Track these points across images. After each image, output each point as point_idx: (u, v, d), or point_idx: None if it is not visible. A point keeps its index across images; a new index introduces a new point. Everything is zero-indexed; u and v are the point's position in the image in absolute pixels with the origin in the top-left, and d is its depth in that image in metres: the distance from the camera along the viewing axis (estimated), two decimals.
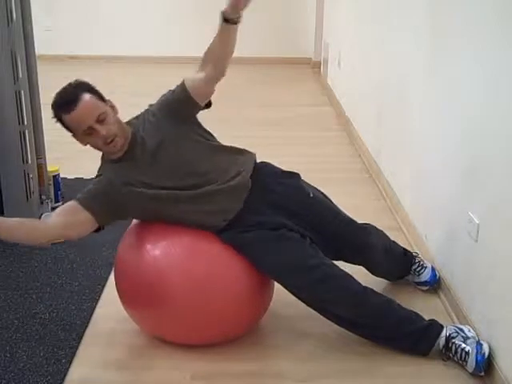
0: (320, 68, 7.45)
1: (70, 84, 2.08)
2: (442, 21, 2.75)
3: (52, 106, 2.07)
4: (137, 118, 2.24)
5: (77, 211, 2.10)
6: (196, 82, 2.19)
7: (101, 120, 2.03)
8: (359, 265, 2.42)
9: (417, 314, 2.20)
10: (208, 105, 2.26)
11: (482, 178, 2.20)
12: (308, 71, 7.79)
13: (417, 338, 2.15)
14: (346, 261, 2.34)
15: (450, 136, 2.56)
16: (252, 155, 2.29)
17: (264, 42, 8.16)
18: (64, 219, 2.10)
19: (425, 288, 2.58)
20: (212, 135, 2.29)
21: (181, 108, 2.19)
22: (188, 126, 2.22)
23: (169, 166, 2.13)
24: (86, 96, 2.03)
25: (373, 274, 2.51)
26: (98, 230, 2.16)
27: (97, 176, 2.20)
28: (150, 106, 2.25)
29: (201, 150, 2.20)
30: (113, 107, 2.13)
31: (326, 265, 2.14)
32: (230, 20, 2.09)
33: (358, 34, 4.95)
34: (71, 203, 2.13)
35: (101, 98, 2.09)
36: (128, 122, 2.20)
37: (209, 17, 7.89)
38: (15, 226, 2.09)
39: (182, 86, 2.19)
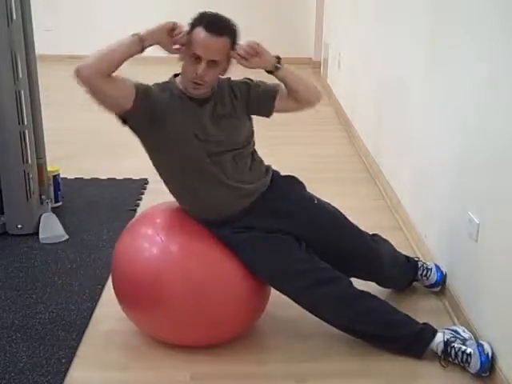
0: (320, 68, 7.46)
1: (229, 20, 2.07)
2: (441, 21, 2.75)
3: (203, 15, 2.05)
4: (234, 82, 2.23)
5: (128, 80, 2.06)
6: (283, 99, 2.23)
7: (211, 63, 2.02)
8: (367, 278, 2.38)
9: (410, 318, 2.20)
10: (269, 115, 2.30)
11: (482, 178, 2.20)
12: (308, 71, 7.78)
13: (410, 342, 2.15)
14: (352, 275, 2.28)
15: (450, 136, 2.56)
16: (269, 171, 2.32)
17: (264, 41, 8.15)
18: (119, 75, 2.03)
19: (437, 289, 2.56)
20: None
21: (259, 106, 2.23)
22: (250, 121, 2.26)
23: (219, 135, 2.13)
24: (227, 40, 2.03)
25: (381, 285, 2.48)
26: (123, 120, 2.08)
27: (164, 82, 2.17)
28: (250, 80, 2.26)
29: (245, 144, 2.23)
30: (225, 69, 2.11)
31: (319, 269, 2.14)
32: (269, 71, 2.14)
33: (357, 35, 4.96)
34: (131, 82, 2.07)
35: (229, 54, 2.06)
36: (224, 79, 2.19)
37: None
38: (124, 50, 2.01)
39: (275, 90, 2.22)
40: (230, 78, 2.22)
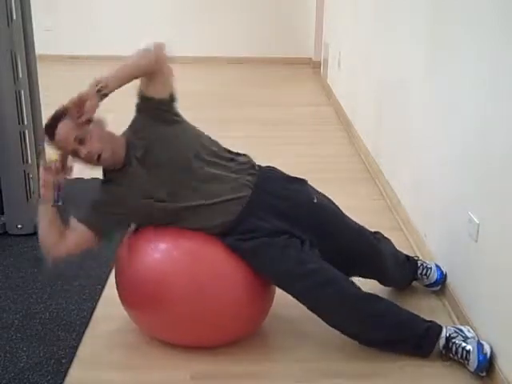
0: (320, 68, 7.45)
1: (52, 115, 2.13)
2: (441, 21, 2.75)
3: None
4: (129, 127, 2.24)
5: (82, 231, 2.16)
6: (148, 86, 2.17)
7: (80, 141, 2.07)
8: (368, 276, 2.39)
9: (417, 317, 2.20)
10: (173, 99, 2.22)
11: (482, 177, 2.20)
12: (308, 71, 7.79)
13: (417, 341, 2.15)
14: (354, 273, 2.29)
15: (450, 136, 2.56)
16: (249, 160, 2.28)
17: (264, 41, 8.16)
18: (72, 238, 2.16)
19: (437, 288, 2.57)
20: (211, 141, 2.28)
21: (151, 113, 2.18)
22: (171, 129, 2.20)
23: (160, 167, 2.14)
24: (62, 124, 2.07)
25: (383, 283, 2.48)
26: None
27: (102, 182, 2.23)
28: (136, 108, 2.23)
29: (193, 150, 2.18)
30: (99, 123, 2.13)
31: (324, 269, 2.14)
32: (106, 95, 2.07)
33: (357, 35, 4.96)
34: (78, 223, 2.17)
35: (78, 123, 2.07)
36: (123, 133, 2.21)
37: (209, 17, 7.93)
38: (47, 220, 2.15)
39: (139, 92, 2.19)
40: (129, 126, 2.23)
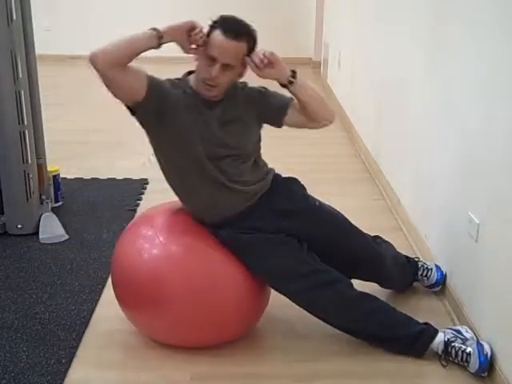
0: (320, 68, 7.46)
1: (249, 26, 2.09)
2: (441, 21, 2.75)
3: (224, 18, 2.07)
4: (248, 89, 2.22)
5: (142, 72, 2.05)
6: (295, 113, 2.22)
7: (225, 66, 2.03)
8: (369, 280, 2.40)
9: (411, 319, 2.21)
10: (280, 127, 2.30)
11: (481, 177, 2.20)
12: (308, 71, 7.78)
13: (411, 342, 2.16)
14: (355, 277, 2.30)
15: (450, 136, 2.56)
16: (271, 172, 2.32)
17: (264, 41, 8.15)
18: (130, 74, 2.01)
19: (437, 288, 2.57)
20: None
21: (270, 116, 2.23)
22: (259, 128, 2.25)
23: (224, 139, 2.13)
24: (244, 46, 2.04)
25: (383, 286, 2.49)
26: (132, 112, 2.08)
27: (176, 79, 2.17)
28: (264, 89, 2.23)
29: (250, 150, 2.23)
30: (241, 73, 2.12)
31: (320, 271, 2.15)
32: (282, 85, 2.12)
33: (357, 35, 4.96)
34: (143, 72, 2.06)
35: (244, 60, 2.06)
36: (238, 84, 2.19)
37: (209, 17, 7.93)
38: (139, 44, 2.01)
39: (288, 103, 2.21)
40: (246, 84, 2.22)
